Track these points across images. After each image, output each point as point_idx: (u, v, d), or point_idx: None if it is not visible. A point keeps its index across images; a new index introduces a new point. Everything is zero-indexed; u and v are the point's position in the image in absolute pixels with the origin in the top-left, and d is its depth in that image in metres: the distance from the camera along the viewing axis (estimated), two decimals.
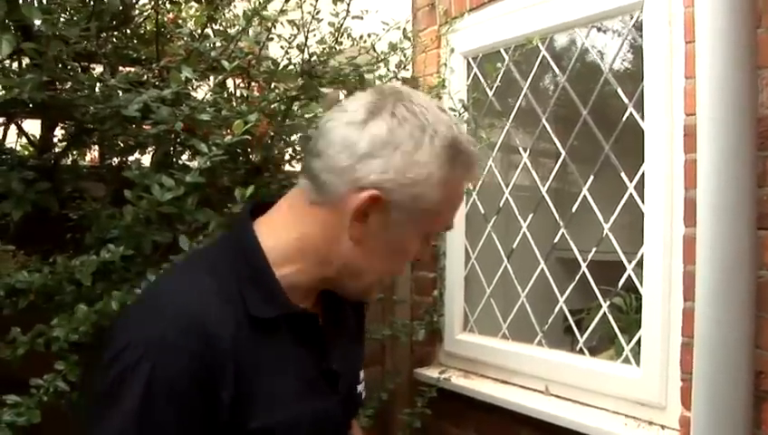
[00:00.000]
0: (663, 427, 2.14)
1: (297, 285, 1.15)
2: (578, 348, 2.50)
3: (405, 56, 2.33)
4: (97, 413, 1.03)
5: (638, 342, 2.24)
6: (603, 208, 2.45)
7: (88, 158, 2.39)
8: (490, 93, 2.81)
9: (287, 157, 2.14)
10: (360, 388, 1.38)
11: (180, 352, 1.00)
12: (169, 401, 0.99)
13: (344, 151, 1.08)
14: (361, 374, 1.39)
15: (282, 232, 1.15)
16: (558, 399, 2.46)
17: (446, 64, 2.87)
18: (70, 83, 1.61)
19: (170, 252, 1.76)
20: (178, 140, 1.65)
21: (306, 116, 2.05)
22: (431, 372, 2.87)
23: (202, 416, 1.02)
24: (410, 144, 1.08)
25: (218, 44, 1.82)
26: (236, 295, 1.09)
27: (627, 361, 2.32)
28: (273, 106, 1.83)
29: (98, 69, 1.93)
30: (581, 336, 2.51)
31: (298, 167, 2.24)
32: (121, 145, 1.71)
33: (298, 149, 2.09)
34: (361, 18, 2.16)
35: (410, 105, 1.11)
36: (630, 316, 2.80)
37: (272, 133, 1.90)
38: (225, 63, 1.62)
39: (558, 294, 2.60)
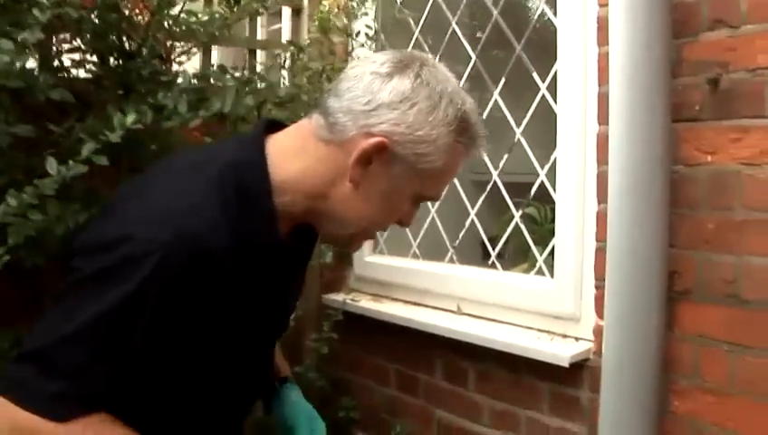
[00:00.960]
0: (577, 339, 2.06)
1: (288, 214, 1.19)
2: (490, 262, 2.39)
3: None
4: (75, 292, 1.08)
5: (552, 252, 2.14)
6: (517, 118, 2.33)
7: None
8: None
9: (174, 53, 1.93)
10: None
11: (186, 263, 1.06)
12: (157, 299, 1.05)
13: (364, 97, 1.14)
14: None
15: (287, 161, 1.18)
16: (470, 317, 2.35)
17: None
18: None
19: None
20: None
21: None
22: (340, 298, 2.73)
23: (177, 324, 1.09)
24: (427, 105, 1.14)
25: None
26: (235, 213, 1.13)
27: (541, 272, 2.22)
28: None
29: None
30: (494, 250, 2.40)
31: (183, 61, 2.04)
32: None
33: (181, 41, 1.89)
34: None
35: (434, 71, 1.17)
36: (545, 227, 2.71)
37: (147, 17, 1.70)
38: None
39: (470, 208, 2.47)
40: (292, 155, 1.19)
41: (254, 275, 1.19)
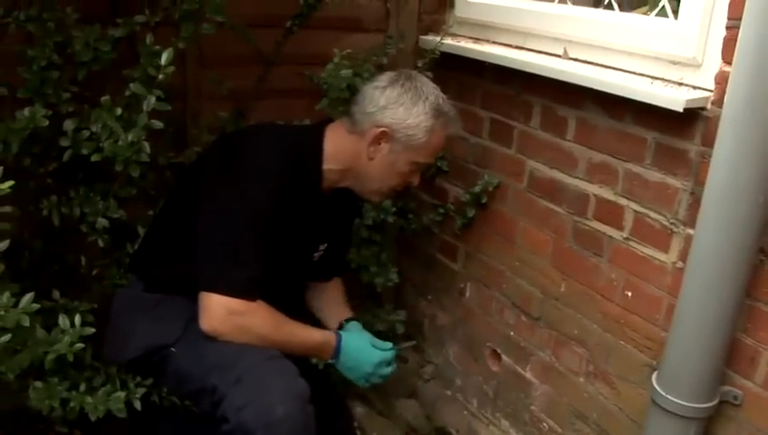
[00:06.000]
0: (694, 87, 1.84)
1: (330, 176, 1.94)
2: (606, 2, 2.15)
3: None
4: (225, 181, 1.81)
5: None
6: None
7: None
8: None
9: None
10: (317, 255, 2.10)
11: (288, 183, 1.85)
12: (272, 195, 1.81)
13: (371, 103, 1.88)
14: (322, 246, 2.11)
15: (331, 142, 1.92)
16: (577, 63, 2.16)
17: None
18: None
19: None
20: None
21: None
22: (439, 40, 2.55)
23: (271, 222, 1.82)
24: (410, 104, 1.86)
25: None
26: (296, 168, 1.87)
27: (663, 14, 1.98)
28: None
29: None
30: None
31: None
32: None
33: None
34: None
35: (415, 82, 1.90)
36: None
37: None
38: None
39: None
40: (334, 139, 1.92)
41: (297, 205, 1.87)
